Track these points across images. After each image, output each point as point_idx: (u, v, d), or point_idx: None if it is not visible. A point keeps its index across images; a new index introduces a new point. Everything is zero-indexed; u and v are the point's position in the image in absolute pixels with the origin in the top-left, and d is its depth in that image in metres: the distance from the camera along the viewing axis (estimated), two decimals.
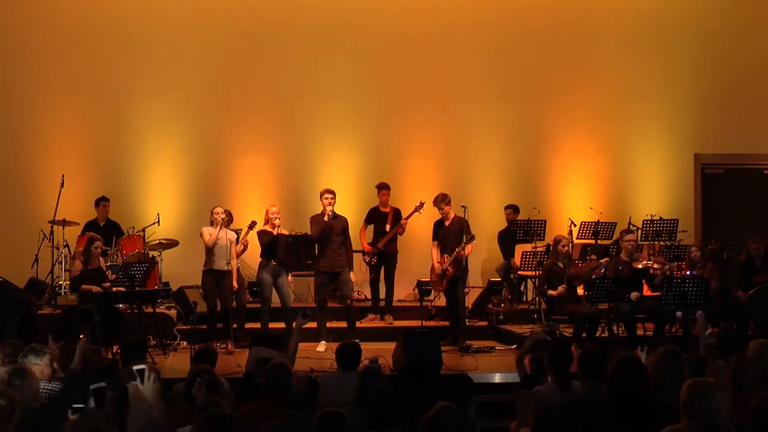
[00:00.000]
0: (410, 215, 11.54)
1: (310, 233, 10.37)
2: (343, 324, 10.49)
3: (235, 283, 10.21)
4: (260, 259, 10.27)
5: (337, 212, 10.21)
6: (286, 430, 4.90)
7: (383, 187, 11.66)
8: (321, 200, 10.17)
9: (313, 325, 10.90)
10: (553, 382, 5.83)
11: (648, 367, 5.18)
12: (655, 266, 10.28)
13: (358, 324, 11.05)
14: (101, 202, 11.91)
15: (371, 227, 11.56)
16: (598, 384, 5.28)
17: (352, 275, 10.27)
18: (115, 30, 12.69)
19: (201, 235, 10.21)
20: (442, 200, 10.44)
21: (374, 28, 12.96)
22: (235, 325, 10.32)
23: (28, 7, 12.66)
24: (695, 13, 13.37)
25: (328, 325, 10.27)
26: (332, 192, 10.18)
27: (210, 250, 10.08)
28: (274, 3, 12.90)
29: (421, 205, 11.55)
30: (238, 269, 10.54)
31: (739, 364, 5.36)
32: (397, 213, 11.55)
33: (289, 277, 10.21)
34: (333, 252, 10.09)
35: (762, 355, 5.65)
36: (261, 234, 10.15)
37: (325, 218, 10.05)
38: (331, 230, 10.06)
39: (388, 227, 11.40)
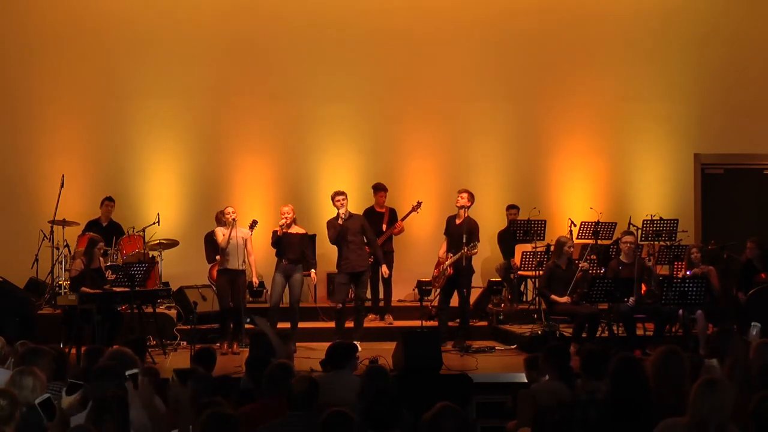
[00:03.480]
0: (407, 215, 11.58)
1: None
2: (345, 324, 10.46)
3: (255, 279, 10.39)
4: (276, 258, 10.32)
5: (351, 212, 10.21)
6: (286, 430, 4.90)
7: (380, 189, 11.68)
8: (333, 203, 10.11)
9: (314, 324, 10.95)
10: (556, 380, 5.82)
11: (648, 367, 5.18)
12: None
13: None
14: (105, 202, 11.92)
15: None
16: (599, 384, 5.28)
17: (385, 269, 10.36)
18: (117, 30, 12.69)
19: (214, 236, 10.24)
20: (465, 192, 10.38)
21: (374, 28, 12.95)
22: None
23: (30, 7, 12.67)
24: (695, 13, 13.36)
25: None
26: (342, 193, 10.12)
27: (224, 251, 10.09)
28: (274, 4, 12.90)
29: (419, 204, 11.59)
30: None
31: (734, 364, 5.36)
32: (392, 213, 11.56)
33: (312, 274, 10.21)
34: (352, 252, 10.03)
35: (761, 355, 5.65)
36: (273, 234, 10.20)
37: (339, 221, 10.04)
38: (346, 231, 10.05)
39: (384, 227, 11.41)
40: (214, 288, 10.66)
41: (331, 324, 10.41)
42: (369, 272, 10.41)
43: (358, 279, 10.10)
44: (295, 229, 10.21)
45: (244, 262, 10.12)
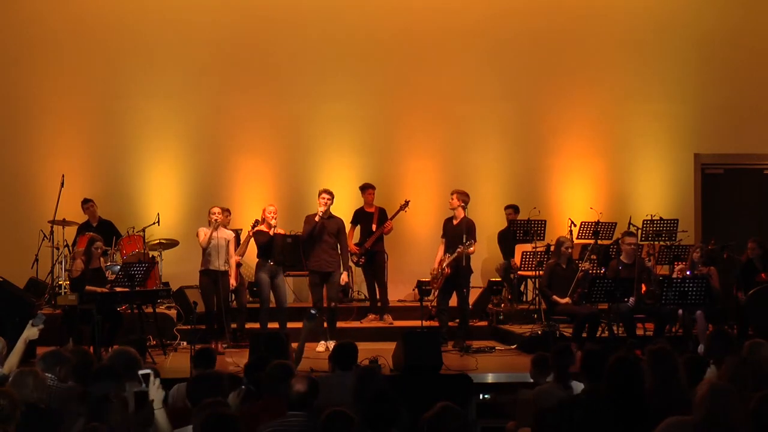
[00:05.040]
0: (395, 214, 11.59)
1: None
2: (345, 324, 10.47)
3: (233, 281, 10.18)
4: (257, 259, 10.26)
5: (333, 213, 10.21)
6: (286, 430, 4.90)
7: (368, 187, 11.68)
8: (318, 199, 10.17)
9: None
10: (555, 381, 5.83)
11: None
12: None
13: (359, 324, 11.11)
14: (85, 205, 11.88)
15: (358, 228, 11.57)
16: (599, 384, 5.27)
17: (344, 276, 10.13)
18: (117, 31, 12.71)
19: (197, 235, 10.22)
20: (454, 193, 10.35)
21: (374, 28, 12.96)
22: (235, 325, 10.33)
23: (30, 8, 12.67)
24: (695, 13, 13.37)
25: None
26: (329, 192, 10.14)
27: (205, 250, 10.08)
28: (274, 5, 12.90)
29: (406, 203, 11.60)
30: (239, 268, 10.53)
31: (729, 365, 5.36)
32: (382, 213, 11.55)
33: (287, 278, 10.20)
34: (324, 252, 10.05)
35: (755, 354, 5.65)
36: (257, 234, 10.12)
37: (316, 218, 10.05)
38: (322, 230, 10.05)
39: (374, 227, 11.41)
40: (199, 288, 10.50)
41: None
42: (346, 272, 10.32)
43: (327, 279, 10.07)
44: (279, 230, 10.21)
45: (226, 262, 10.10)
